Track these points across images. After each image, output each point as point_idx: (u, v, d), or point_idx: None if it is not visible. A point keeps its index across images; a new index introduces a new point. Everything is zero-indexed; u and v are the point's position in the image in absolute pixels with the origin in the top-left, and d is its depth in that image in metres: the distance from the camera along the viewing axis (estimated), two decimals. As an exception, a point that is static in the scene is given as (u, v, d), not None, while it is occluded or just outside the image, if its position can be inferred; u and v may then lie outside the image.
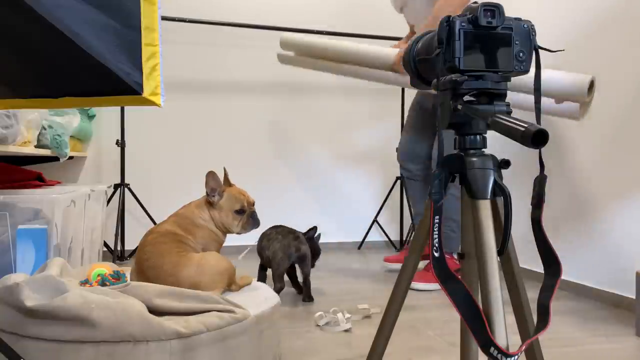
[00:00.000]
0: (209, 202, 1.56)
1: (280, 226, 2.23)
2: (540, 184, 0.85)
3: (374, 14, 3.47)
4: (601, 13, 2.25)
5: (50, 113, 2.34)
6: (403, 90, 3.56)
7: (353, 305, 2.02)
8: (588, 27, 2.32)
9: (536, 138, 0.67)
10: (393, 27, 3.17)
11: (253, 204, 1.63)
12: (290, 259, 2.08)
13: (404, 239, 3.61)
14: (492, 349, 0.72)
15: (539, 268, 0.83)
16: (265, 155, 3.51)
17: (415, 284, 2.49)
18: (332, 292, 2.30)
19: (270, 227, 2.25)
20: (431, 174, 0.83)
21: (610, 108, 2.18)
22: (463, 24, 0.79)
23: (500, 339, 0.74)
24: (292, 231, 2.18)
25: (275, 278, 2.05)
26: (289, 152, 3.55)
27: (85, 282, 1.25)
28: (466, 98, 0.84)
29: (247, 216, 1.59)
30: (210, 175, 1.56)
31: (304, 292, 2.14)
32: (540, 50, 0.84)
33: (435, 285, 2.57)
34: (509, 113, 0.83)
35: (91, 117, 3.07)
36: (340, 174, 3.66)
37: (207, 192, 1.57)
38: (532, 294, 0.84)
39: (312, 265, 2.20)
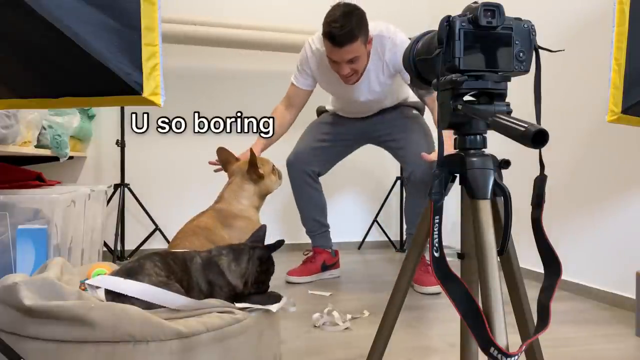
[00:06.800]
0: (254, 177, 1.60)
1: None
2: (540, 184, 0.85)
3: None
4: (600, 13, 2.26)
5: (50, 113, 2.34)
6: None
7: (352, 305, 2.01)
8: (588, 26, 2.33)
9: (536, 138, 0.67)
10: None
11: None
12: None
13: (404, 238, 3.61)
14: (492, 349, 0.72)
15: (539, 268, 0.83)
16: (266, 154, 3.49)
17: (289, 278, 2.50)
18: (331, 292, 2.30)
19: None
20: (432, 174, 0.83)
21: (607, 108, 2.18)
22: (463, 23, 0.79)
23: (500, 339, 0.74)
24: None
25: None
26: (289, 151, 3.55)
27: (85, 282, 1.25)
28: (466, 98, 0.84)
29: (275, 169, 1.78)
30: (257, 156, 1.66)
31: None
32: (540, 50, 0.84)
33: (310, 278, 2.52)
34: (509, 113, 0.83)
35: (91, 117, 3.07)
36: (340, 174, 3.65)
37: (253, 168, 1.67)
38: (532, 294, 0.84)
39: None
